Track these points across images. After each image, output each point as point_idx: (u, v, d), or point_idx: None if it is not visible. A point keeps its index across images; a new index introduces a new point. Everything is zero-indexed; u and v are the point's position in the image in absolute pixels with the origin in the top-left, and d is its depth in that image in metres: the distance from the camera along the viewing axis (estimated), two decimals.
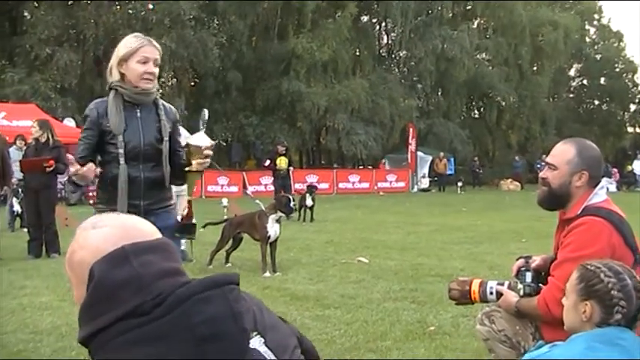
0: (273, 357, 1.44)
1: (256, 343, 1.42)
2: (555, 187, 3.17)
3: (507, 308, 3.18)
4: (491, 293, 3.26)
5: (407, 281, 7.71)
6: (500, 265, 8.88)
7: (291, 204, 8.55)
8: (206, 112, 4.14)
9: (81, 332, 1.39)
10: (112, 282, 1.35)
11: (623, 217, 2.95)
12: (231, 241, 8.96)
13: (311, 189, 16.51)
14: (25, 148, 13.48)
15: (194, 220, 4.31)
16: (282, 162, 17.51)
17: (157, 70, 3.91)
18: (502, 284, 3.26)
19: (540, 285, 3.09)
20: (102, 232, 1.45)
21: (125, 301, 1.33)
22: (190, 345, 1.29)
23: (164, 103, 4.10)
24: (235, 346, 1.34)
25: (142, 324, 1.30)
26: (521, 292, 3.13)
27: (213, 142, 4.04)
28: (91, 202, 23.13)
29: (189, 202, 4.34)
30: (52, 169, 9.91)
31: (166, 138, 3.97)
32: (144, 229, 1.48)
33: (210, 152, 3.95)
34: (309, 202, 15.97)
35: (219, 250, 8.90)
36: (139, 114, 3.92)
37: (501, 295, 3.21)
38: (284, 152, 17.74)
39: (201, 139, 3.94)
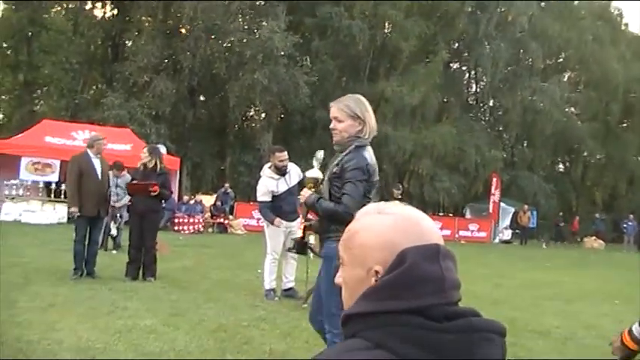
0: None
1: None
2: None
3: None
4: (639, 332, 3.36)
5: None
6: (597, 326, 8.75)
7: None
8: (321, 152, 4.75)
9: (361, 307, 1.39)
10: (421, 273, 1.36)
11: None
12: None
13: None
14: (121, 175, 14.06)
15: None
16: None
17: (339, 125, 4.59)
18: None
19: None
20: (388, 220, 1.47)
21: (422, 296, 1.35)
22: None
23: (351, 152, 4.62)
24: None
25: (428, 328, 1.31)
26: None
27: (320, 176, 4.71)
28: (176, 228, 23.77)
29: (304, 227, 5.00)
30: (156, 193, 10.28)
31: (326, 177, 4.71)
32: (430, 229, 1.48)
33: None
34: None
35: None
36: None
37: None
38: (399, 197, 17.04)
39: (312, 173, 4.73)
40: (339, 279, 1.55)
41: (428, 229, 1.47)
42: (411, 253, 1.38)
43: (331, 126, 4.60)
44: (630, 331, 3.36)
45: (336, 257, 4.51)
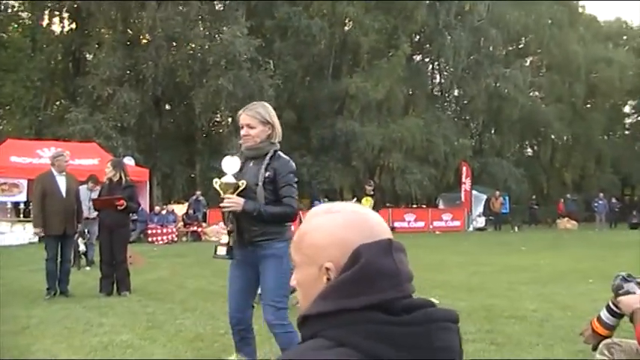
0: None
1: None
2: None
3: (627, 309, 3.23)
4: (607, 317, 3.37)
5: (482, 322, 7.66)
6: (572, 306, 8.82)
7: None
8: (236, 158, 4.95)
9: (320, 306, 1.40)
10: (378, 268, 1.38)
11: None
12: None
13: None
14: (95, 189, 13.89)
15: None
16: (367, 202, 15.12)
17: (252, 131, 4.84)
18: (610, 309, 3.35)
19: None
20: (337, 218, 1.48)
21: (380, 291, 1.36)
22: None
23: (275, 158, 4.89)
24: None
25: (389, 322, 1.32)
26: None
27: (238, 182, 4.81)
28: (150, 239, 23.61)
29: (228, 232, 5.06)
30: (123, 207, 10.18)
31: (260, 183, 4.82)
32: (379, 223, 1.49)
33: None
34: None
35: None
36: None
37: (614, 312, 3.31)
38: (372, 193, 15.80)
39: (228, 179, 4.84)
40: (293, 281, 1.56)
41: (376, 223, 1.49)
42: (365, 249, 1.39)
43: (243, 132, 4.83)
44: (599, 318, 3.39)
45: (285, 256, 4.70)
